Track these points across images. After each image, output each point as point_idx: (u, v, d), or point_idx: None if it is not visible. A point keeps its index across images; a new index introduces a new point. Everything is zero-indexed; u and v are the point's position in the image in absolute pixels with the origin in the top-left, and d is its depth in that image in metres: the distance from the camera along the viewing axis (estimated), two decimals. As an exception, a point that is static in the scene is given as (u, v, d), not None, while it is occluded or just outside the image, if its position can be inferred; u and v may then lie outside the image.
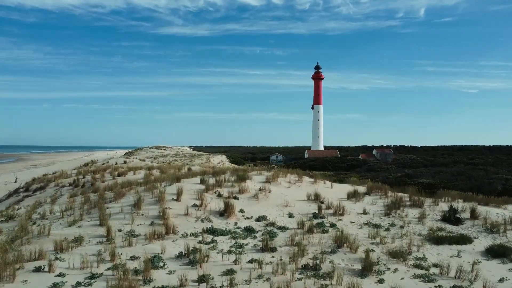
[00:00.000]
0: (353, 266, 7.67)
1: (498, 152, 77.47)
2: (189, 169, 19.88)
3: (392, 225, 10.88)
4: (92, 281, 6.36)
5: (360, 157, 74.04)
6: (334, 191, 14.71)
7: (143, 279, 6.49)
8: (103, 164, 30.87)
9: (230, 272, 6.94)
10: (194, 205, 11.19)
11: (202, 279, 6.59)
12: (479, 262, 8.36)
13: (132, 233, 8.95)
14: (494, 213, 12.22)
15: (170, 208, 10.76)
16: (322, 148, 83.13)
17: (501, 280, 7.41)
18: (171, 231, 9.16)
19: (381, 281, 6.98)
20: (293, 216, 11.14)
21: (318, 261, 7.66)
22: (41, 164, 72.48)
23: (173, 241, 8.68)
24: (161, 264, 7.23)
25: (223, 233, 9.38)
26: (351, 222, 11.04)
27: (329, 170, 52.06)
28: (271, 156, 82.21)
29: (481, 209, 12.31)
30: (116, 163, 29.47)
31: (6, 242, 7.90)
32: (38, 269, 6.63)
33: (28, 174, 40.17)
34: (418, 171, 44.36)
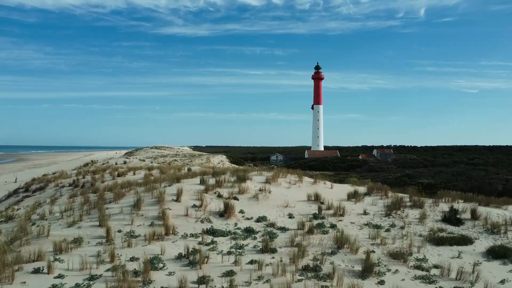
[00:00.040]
0: (353, 267, 7.64)
1: (498, 152, 77.47)
2: (189, 170, 19.86)
3: (393, 225, 10.85)
4: (91, 282, 6.33)
5: (360, 157, 74.01)
6: (334, 192, 14.68)
7: (143, 281, 6.46)
8: (103, 164, 30.84)
9: (230, 274, 6.91)
10: (194, 206, 11.16)
11: (202, 280, 6.56)
12: (480, 263, 8.32)
13: (132, 234, 8.91)
14: (495, 213, 12.19)
15: (170, 209, 10.73)
16: (322, 148, 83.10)
17: (502, 282, 7.37)
18: (170, 232, 9.12)
19: (381, 282, 6.95)
20: (293, 217, 11.10)
21: (318, 262, 7.63)
22: (41, 164, 72.45)
23: (173, 242, 8.65)
24: (161, 265, 7.19)
25: (223, 234, 9.35)
26: (351, 222, 11.01)
27: (329, 170, 52.04)
28: (271, 156, 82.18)
29: (482, 210, 12.28)
30: (116, 163, 29.43)
31: (5, 243, 7.87)
32: (37, 271, 6.59)
33: (28, 174, 40.14)
34: (418, 171, 44.33)
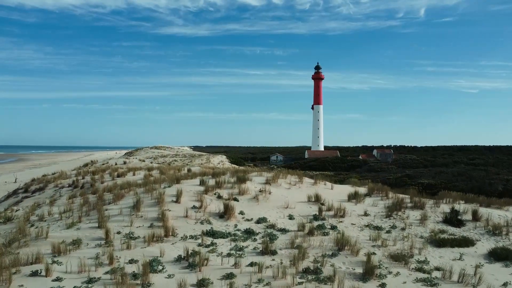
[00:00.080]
0: (354, 269, 7.57)
1: (498, 152, 77.42)
2: (189, 170, 19.79)
3: (393, 227, 10.78)
4: (89, 285, 6.27)
5: (360, 157, 73.97)
6: (335, 193, 14.62)
7: (142, 284, 6.39)
8: (103, 164, 30.76)
9: (230, 276, 6.84)
10: (194, 207, 11.10)
11: (202, 283, 6.49)
12: (482, 266, 8.25)
13: (131, 235, 8.85)
14: (496, 215, 12.12)
15: (170, 210, 10.67)
16: (322, 148, 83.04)
17: (505, 285, 7.30)
18: (170, 234, 9.06)
19: (383, 285, 6.88)
20: (294, 218, 11.04)
21: (319, 265, 7.57)
22: (41, 164, 72.41)
23: (172, 243, 8.58)
24: (160, 267, 7.13)
25: (222, 235, 9.28)
26: (352, 224, 10.94)
27: (329, 171, 51.99)
28: (271, 157, 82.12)
29: (483, 211, 12.21)
30: (116, 164, 29.36)
31: (2, 245, 7.81)
32: (34, 273, 6.53)
33: (28, 175, 40.07)
34: (419, 171, 44.26)
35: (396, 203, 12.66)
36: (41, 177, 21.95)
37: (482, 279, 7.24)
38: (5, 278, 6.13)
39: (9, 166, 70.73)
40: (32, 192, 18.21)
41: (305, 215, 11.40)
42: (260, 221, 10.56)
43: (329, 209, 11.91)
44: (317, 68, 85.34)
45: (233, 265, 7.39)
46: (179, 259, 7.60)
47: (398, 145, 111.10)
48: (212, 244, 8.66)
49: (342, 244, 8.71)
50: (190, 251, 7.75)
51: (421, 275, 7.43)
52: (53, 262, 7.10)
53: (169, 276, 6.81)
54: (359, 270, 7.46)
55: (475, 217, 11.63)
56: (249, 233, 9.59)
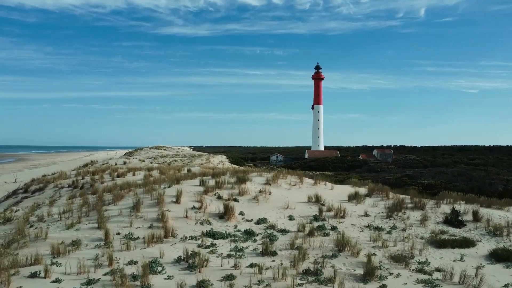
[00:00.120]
0: (354, 271, 7.53)
1: (498, 152, 77.41)
2: (188, 170, 19.76)
3: (394, 227, 10.75)
4: (88, 287, 6.24)
5: (360, 157, 73.96)
6: (335, 193, 14.59)
7: (141, 285, 6.36)
8: (103, 164, 30.74)
9: (229, 278, 6.81)
10: (194, 208, 11.06)
11: (201, 284, 6.46)
12: (483, 267, 8.22)
13: (131, 236, 8.82)
14: (497, 215, 12.09)
15: (169, 211, 10.63)
16: (322, 148, 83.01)
17: (506, 286, 7.27)
18: (170, 234, 9.03)
19: (383, 286, 6.85)
20: (294, 219, 11.00)
21: (319, 266, 7.53)
22: (41, 165, 72.39)
23: (172, 244, 8.55)
24: (160, 269, 7.09)
25: (222, 236, 9.25)
26: (352, 224, 10.91)
27: (329, 171, 51.96)
28: (271, 157, 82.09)
29: (484, 211, 12.18)
30: (116, 164, 29.34)
31: (1, 246, 7.77)
32: (33, 275, 6.49)
33: (28, 175, 40.06)
34: (419, 171, 44.24)
35: (396, 204, 12.62)
36: (41, 177, 21.92)
37: (483, 280, 7.20)
38: (4, 280, 6.10)
39: (9, 166, 70.72)
40: (31, 192, 18.18)
41: (305, 215, 11.37)
42: (260, 221, 10.53)
43: (329, 210, 11.88)
44: (317, 68, 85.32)
45: (233, 266, 7.36)
46: (178, 260, 7.57)
47: (398, 145, 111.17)
48: (212, 245, 8.62)
49: (342, 245, 8.67)
50: (190, 252, 7.71)
51: (422, 276, 7.39)
52: (52, 263, 7.07)
53: (169, 278, 6.77)
54: (360, 271, 7.43)
55: (476, 217, 11.60)
56: (249, 234, 9.55)
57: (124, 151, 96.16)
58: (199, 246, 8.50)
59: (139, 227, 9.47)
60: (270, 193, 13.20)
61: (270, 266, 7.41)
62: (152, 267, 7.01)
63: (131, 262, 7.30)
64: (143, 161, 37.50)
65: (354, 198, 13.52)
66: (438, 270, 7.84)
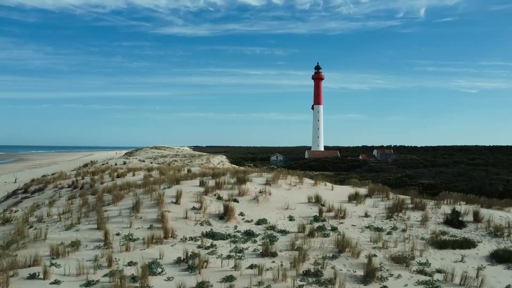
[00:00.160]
0: (355, 272, 7.50)
1: (498, 153, 77.39)
2: (188, 171, 19.73)
3: (394, 228, 10.71)
4: (88, 288, 6.21)
5: (360, 157, 73.94)
6: (335, 193, 14.56)
7: (141, 286, 6.33)
8: (103, 164, 30.71)
9: (229, 279, 6.78)
10: (194, 208, 11.03)
11: (201, 286, 6.43)
12: (484, 268, 8.18)
13: (130, 237, 8.78)
14: (498, 216, 12.05)
15: (169, 211, 10.60)
16: (322, 148, 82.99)
17: (507, 287, 7.24)
18: (169, 235, 9.00)
19: (384, 288, 6.82)
20: (294, 219, 10.97)
21: (319, 267, 7.50)
22: (41, 165, 72.37)
23: (172, 245, 8.51)
24: (159, 270, 7.06)
25: (222, 237, 9.22)
26: (352, 225, 10.88)
27: (329, 171, 51.95)
28: (271, 157, 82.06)
29: (484, 212, 12.14)
30: (116, 164, 29.31)
31: (0, 247, 7.74)
32: (32, 276, 6.46)
33: (28, 175, 40.03)
34: (419, 171, 44.23)
35: (396, 204, 12.59)
36: (40, 178, 21.90)
37: (484, 281, 7.17)
38: (2, 281, 6.07)
39: (9, 166, 70.70)
40: (31, 192, 18.16)
41: (306, 216, 11.34)
42: (260, 222, 10.50)
43: (329, 210, 11.85)
44: (317, 68, 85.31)
45: (233, 267, 7.33)
46: (178, 261, 7.54)
47: (398, 145, 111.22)
48: (212, 245, 8.59)
49: (342, 246, 8.64)
50: (189, 253, 7.68)
51: (422, 278, 7.36)
52: (51, 264, 7.04)
53: (168, 279, 6.74)
54: (360, 272, 7.39)
55: (476, 218, 11.56)
56: (249, 234, 9.52)
57: (124, 151, 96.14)
58: (199, 247, 8.47)
59: (138, 228, 9.44)
60: (270, 194, 13.17)
61: (270, 267, 7.38)
62: (151, 268, 6.97)
63: (130, 263, 7.26)
64: (143, 161, 37.47)
65: (354, 198, 13.48)
66: (439, 271, 7.81)
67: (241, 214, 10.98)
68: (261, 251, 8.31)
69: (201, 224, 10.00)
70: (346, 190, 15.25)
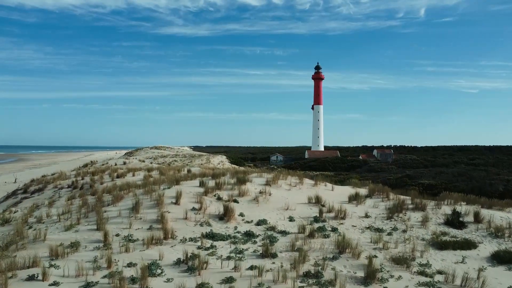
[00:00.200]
0: (355, 273, 7.47)
1: (498, 153, 77.34)
2: (188, 171, 19.69)
3: (395, 229, 10.68)
4: (87, 290, 6.18)
5: (360, 157, 73.91)
6: (335, 194, 14.52)
7: (140, 288, 6.30)
8: (103, 165, 30.67)
9: (229, 280, 6.75)
10: (193, 209, 11.00)
11: (201, 287, 6.40)
12: (485, 269, 8.15)
13: (130, 238, 8.75)
14: (498, 216, 12.01)
15: (169, 212, 10.57)
16: (322, 148, 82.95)
17: (508, 288, 7.21)
18: (169, 236, 8.96)
19: (384, 289, 6.79)
20: (294, 220, 10.94)
21: (319, 268, 7.47)
22: (41, 165, 72.35)
23: (172, 246, 8.48)
24: (159, 271, 7.03)
25: (222, 237, 9.19)
26: (352, 226, 10.84)
27: (330, 171, 51.93)
28: (271, 157, 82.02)
29: (485, 213, 12.11)
30: (116, 164, 29.26)
31: (-1, 248, 7.71)
32: (31, 278, 6.42)
33: (28, 175, 40.01)
34: (419, 171, 44.19)
35: (397, 205, 12.56)
36: (40, 178, 21.87)
37: (486, 283, 7.13)
38: (1, 283, 6.04)
39: (9, 166, 70.67)
40: (31, 193, 18.13)
41: (306, 217, 11.30)
42: (260, 223, 10.46)
43: (329, 211, 11.82)
44: (317, 68, 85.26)
45: (232, 269, 7.30)
46: (178, 262, 7.50)
47: (398, 145, 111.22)
48: (212, 246, 8.56)
49: (343, 246, 8.61)
50: (189, 254, 7.65)
51: (423, 279, 7.33)
52: (51, 265, 7.00)
53: (168, 280, 6.71)
54: (361, 273, 7.36)
55: (477, 219, 11.53)
56: (249, 235, 9.49)
57: (124, 151, 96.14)
58: (198, 248, 8.44)
59: (138, 229, 9.40)
60: (270, 194, 13.14)
61: (270, 269, 7.35)
62: (151, 269, 6.94)
63: (130, 265, 7.23)
64: (143, 161, 37.43)
65: (354, 199, 13.45)
66: (439, 272, 7.78)
67: (241, 214, 10.95)
68: (261, 252, 8.28)
69: (201, 225, 9.97)
70: (346, 190, 15.22)
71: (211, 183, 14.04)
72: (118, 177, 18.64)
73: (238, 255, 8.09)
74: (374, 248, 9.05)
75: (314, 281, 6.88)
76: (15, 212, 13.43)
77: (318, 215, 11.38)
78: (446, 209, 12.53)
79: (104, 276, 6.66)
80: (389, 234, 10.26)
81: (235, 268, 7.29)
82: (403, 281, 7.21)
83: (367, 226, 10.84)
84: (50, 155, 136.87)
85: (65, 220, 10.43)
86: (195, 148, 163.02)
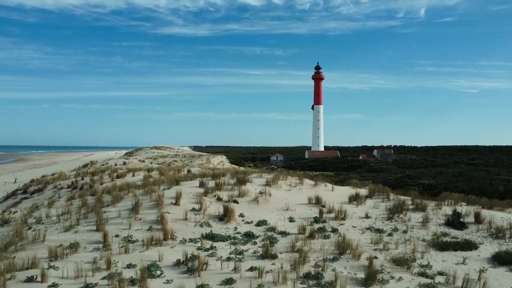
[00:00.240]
0: (356, 274, 7.43)
1: (498, 153, 77.29)
2: (188, 171, 19.66)
3: (395, 230, 10.65)
4: (86, 291, 6.14)
5: (360, 157, 73.86)
6: (335, 194, 14.49)
7: (139, 289, 6.26)
8: (102, 165, 30.63)
9: (229, 282, 6.72)
10: (193, 209, 10.97)
11: (201, 289, 6.36)
12: (486, 270, 8.11)
13: (129, 239, 8.72)
14: (499, 217, 11.98)
15: (169, 213, 10.53)
16: (322, 148, 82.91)
17: (509, 290, 7.17)
18: (169, 237, 8.93)
19: (385, 290, 6.75)
20: (294, 221, 10.91)
21: (320, 269, 7.44)
22: (41, 165, 72.31)
23: (171, 247, 8.45)
24: (158, 272, 6.99)
25: (222, 238, 9.15)
26: (353, 226, 10.81)
27: (330, 171, 51.89)
28: (271, 157, 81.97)
29: (485, 213, 12.07)
30: (115, 164, 29.22)
31: (-2, 250, 7.67)
32: (30, 279, 6.38)
33: (28, 175, 39.98)
34: (419, 171, 44.14)
35: (397, 205, 12.52)
36: (40, 178, 21.84)
37: (487, 284, 7.09)
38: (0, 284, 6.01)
39: (9, 166, 70.63)
40: (31, 193, 18.10)
41: (306, 217, 11.27)
42: (260, 223, 10.43)
43: (329, 211, 11.78)
44: (317, 68, 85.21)
45: (232, 270, 7.26)
46: (178, 263, 7.47)
47: (398, 145, 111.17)
48: (212, 247, 8.53)
49: (343, 247, 8.57)
50: (189, 255, 7.61)
51: (424, 280, 7.29)
52: (50, 267, 6.97)
53: (168, 282, 6.68)
54: (361, 275, 7.33)
55: (478, 219, 11.49)
56: (249, 236, 9.46)
57: (124, 151, 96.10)
58: (198, 248, 8.40)
59: (138, 229, 9.37)
60: (270, 195, 13.11)
61: (270, 270, 7.32)
62: (150, 270, 6.91)
63: (129, 266, 7.20)
64: (143, 161, 37.39)
65: (354, 199, 13.42)
66: (440, 273, 7.74)
67: (241, 215, 10.92)
68: (261, 253, 8.25)
69: (201, 226, 9.93)
70: (346, 191, 15.18)
71: (211, 183, 14.00)
72: (118, 177, 18.61)
73: (238, 256, 8.06)
74: (375, 249, 9.02)
75: (314, 282, 6.85)
76: (14, 212, 13.40)
77: (318, 216, 11.35)
78: (447, 210, 12.50)
79: (103, 278, 6.63)
80: (390, 235, 10.23)
81: (235, 269, 7.25)
82: (404, 282, 7.17)
83: (368, 227, 10.80)
84: (50, 155, 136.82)
85: (65, 221, 10.39)
86: (195, 148, 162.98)
